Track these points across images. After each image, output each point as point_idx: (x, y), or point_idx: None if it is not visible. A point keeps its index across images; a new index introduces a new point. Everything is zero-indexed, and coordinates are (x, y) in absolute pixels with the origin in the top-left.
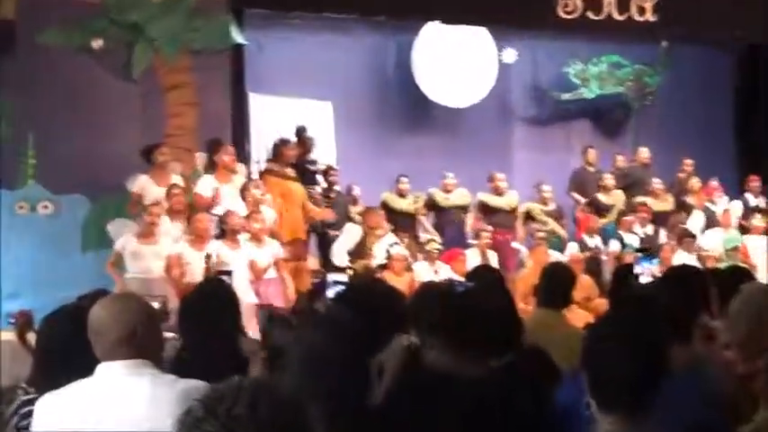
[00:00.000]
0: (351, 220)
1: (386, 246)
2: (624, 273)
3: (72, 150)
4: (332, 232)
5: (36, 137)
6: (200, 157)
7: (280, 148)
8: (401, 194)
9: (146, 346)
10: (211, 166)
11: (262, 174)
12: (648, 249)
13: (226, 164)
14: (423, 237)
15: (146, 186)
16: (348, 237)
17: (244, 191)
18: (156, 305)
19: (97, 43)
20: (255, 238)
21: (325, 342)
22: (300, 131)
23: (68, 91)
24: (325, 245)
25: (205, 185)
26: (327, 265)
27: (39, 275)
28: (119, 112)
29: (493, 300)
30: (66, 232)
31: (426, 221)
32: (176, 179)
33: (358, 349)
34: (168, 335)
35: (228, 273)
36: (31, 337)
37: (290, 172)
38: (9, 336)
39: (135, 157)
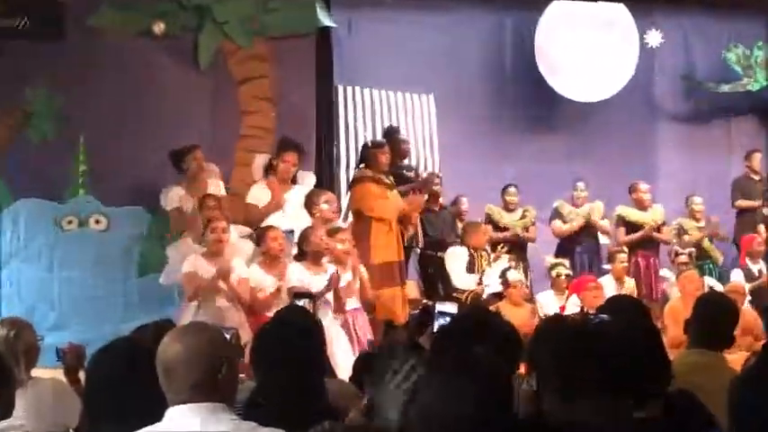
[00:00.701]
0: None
1: (499, 270)
2: None
3: (130, 154)
4: (435, 253)
5: (88, 138)
6: (259, 160)
7: (371, 151)
8: (508, 207)
9: (225, 388)
10: (266, 171)
11: (352, 182)
12: None
13: (280, 171)
14: (548, 261)
15: (184, 201)
16: (458, 260)
17: (312, 203)
18: (227, 338)
19: (159, 27)
20: (339, 260)
21: (460, 397)
22: (392, 133)
23: (125, 84)
24: (427, 268)
25: (259, 193)
26: (430, 292)
27: (90, 303)
28: (184, 108)
29: (634, 337)
30: (123, 252)
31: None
32: (214, 187)
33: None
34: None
35: (309, 296)
36: (82, 376)
37: (385, 179)
38: (55, 374)
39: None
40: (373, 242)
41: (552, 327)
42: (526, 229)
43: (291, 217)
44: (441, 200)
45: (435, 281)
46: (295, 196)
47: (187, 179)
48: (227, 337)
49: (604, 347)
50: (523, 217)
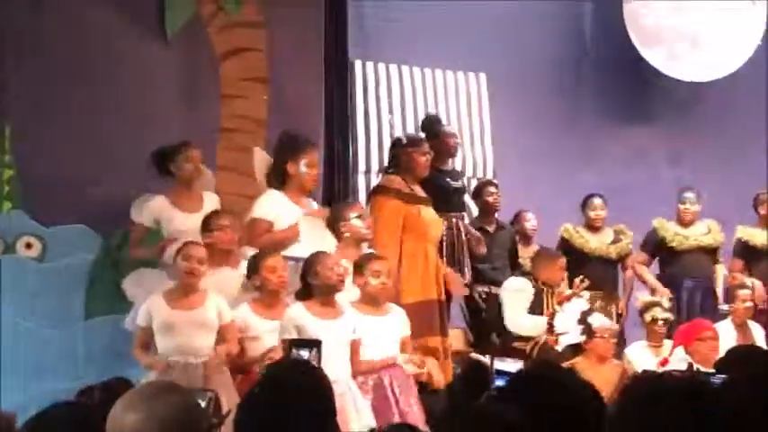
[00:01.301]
0: (521, 268)
1: (577, 312)
2: None
3: (73, 156)
4: (489, 289)
5: (16, 130)
6: (259, 159)
7: (406, 151)
8: (593, 227)
9: None
10: (276, 179)
11: (373, 192)
12: None
13: (298, 177)
14: (640, 299)
15: (164, 213)
16: (519, 297)
17: (339, 218)
18: (202, 404)
19: None
20: (372, 302)
21: None
22: (433, 124)
23: (69, 62)
24: (477, 310)
25: (269, 207)
26: (483, 343)
27: (21, 356)
28: (147, 94)
29: (762, 403)
30: (62, 286)
31: (647, 273)
32: (212, 201)
33: None
34: None
35: (314, 344)
36: None
37: (420, 191)
38: None
39: None
40: (404, 275)
41: (646, 390)
42: (621, 257)
43: (307, 243)
44: (497, 216)
45: (490, 327)
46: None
47: (176, 189)
48: (203, 403)
49: (722, 418)
50: (616, 240)
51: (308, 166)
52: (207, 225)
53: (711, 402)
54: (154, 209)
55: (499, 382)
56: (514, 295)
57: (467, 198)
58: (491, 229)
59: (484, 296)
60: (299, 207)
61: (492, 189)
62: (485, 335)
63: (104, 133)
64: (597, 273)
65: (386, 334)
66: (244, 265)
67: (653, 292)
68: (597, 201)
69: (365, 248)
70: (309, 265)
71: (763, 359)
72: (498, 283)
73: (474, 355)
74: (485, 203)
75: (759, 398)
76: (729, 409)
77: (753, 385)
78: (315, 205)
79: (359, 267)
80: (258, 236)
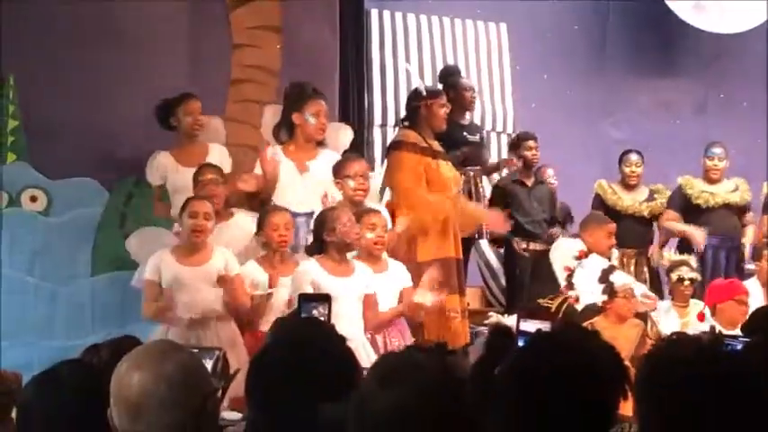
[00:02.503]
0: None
1: (596, 273)
2: None
3: (79, 108)
4: (527, 246)
5: (20, 83)
6: (267, 116)
7: (424, 103)
8: (628, 184)
9: None
10: (283, 131)
11: (391, 148)
12: None
13: (304, 127)
14: (666, 257)
15: (168, 169)
16: (561, 257)
17: (338, 174)
18: (209, 364)
19: None
20: (371, 256)
21: None
22: (450, 75)
23: (75, 12)
24: (513, 268)
25: (273, 162)
26: (511, 303)
27: (26, 312)
28: (152, 45)
29: None
30: (68, 241)
31: (678, 225)
32: (216, 154)
33: None
34: (229, 415)
35: (324, 298)
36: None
37: (437, 145)
38: None
39: None
40: (420, 231)
41: (671, 353)
42: (654, 215)
43: (315, 195)
44: (534, 169)
45: (526, 287)
46: (320, 166)
47: (178, 142)
48: (210, 362)
49: (746, 383)
50: (651, 198)
51: (314, 116)
52: (195, 179)
53: (730, 365)
54: (159, 166)
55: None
56: (565, 256)
57: (486, 152)
58: (529, 183)
59: (521, 255)
60: (302, 160)
61: (531, 143)
62: (518, 296)
63: (112, 85)
64: (629, 230)
65: (387, 289)
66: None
67: (686, 242)
68: (634, 157)
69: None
70: (325, 222)
71: None
72: (536, 237)
73: (493, 315)
74: (524, 158)
75: None
76: (749, 372)
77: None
78: (328, 155)
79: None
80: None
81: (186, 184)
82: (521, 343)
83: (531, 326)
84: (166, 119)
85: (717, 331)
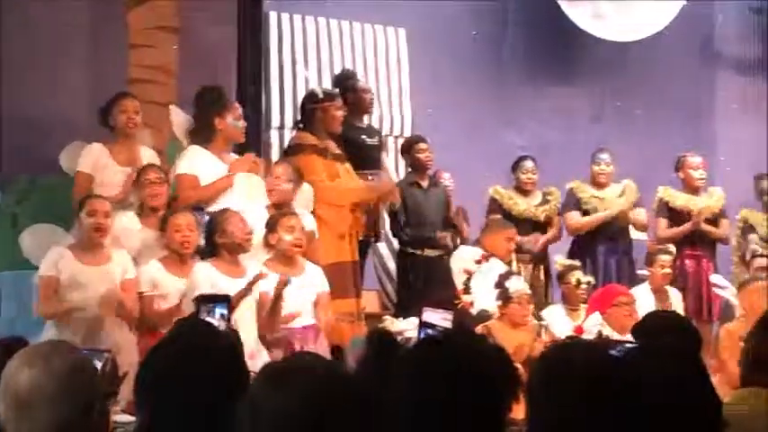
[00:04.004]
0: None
1: (493, 279)
2: None
3: None
4: (421, 251)
5: None
6: (178, 117)
7: (318, 106)
8: (523, 189)
9: None
10: (201, 134)
11: (288, 152)
12: None
13: (228, 131)
14: (558, 262)
15: (101, 161)
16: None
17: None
18: (98, 365)
19: None
20: (288, 259)
21: None
22: (347, 79)
23: None
24: (407, 272)
25: (192, 162)
26: (403, 305)
27: None
28: (47, 44)
29: (674, 373)
30: None
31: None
32: (148, 155)
33: None
34: (119, 418)
35: (223, 299)
36: None
37: (334, 147)
38: None
39: (77, 118)
40: (319, 235)
41: (556, 360)
42: (549, 219)
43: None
44: (429, 171)
45: (420, 292)
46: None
47: (114, 140)
48: (99, 363)
49: (629, 391)
50: (545, 202)
51: (236, 120)
52: (137, 179)
53: (615, 373)
54: (93, 155)
55: (429, 332)
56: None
57: (383, 156)
58: (425, 185)
59: (416, 259)
60: (223, 162)
61: (423, 145)
62: (413, 299)
63: (9, 84)
64: (526, 236)
65: (301, 293)
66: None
67: (571, 254)
68: (529, 164)
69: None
70: (216, 223)
71: (676, 327)
72: (431, 240)
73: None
74: (417, 160)
75: (664, 368)
76: (634, 377)
77: (661, 354)
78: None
79: (271, 224)
80: (184, 191)
81: (113, 181)
82: (425, 332)
83: (433, 316)
84: (105, 118)
85: (604, 336)
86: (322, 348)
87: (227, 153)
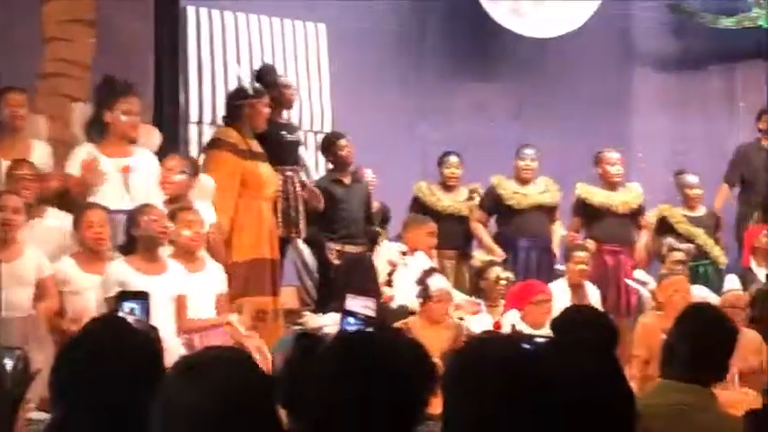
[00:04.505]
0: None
1: (416, 274)
2: None
3: None
4: (342, 248)
5: None
6: (75, 113)
7: (246, 102)
8: (447, 185)
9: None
10: (94, 130)
11: (209, 146)
12: None
13: (117, 125)
14: (478, 258)
15: None
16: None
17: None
18: (9, 363)
19: None
20: (188, 254)
21: None
22: (268, 75)
23: None
24: (327, 269)
25: (74, 162)
26: (322, 301)
27: None
28: None
29: (589, 368)
30: None
31: (485, 233)
32: (38, 151)
33: None
34: (36, 416)
35: (142, 296)
36: None
37: (256, 145)
38: None
39: None
40: (234, 232)
41: (470, 355)
42: (470, 214)
43: (136, 192)
44: (350, 168)
45: (340, 288)
46: (139, 164)
47: (2, 134)
48: (10, 361)
49: (541, 386)
50: (470, 198)
51: (126, 114)
52: (8, 173)
53: (528, 369)
54: None
55: (350, 320)
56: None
57: (301, 153)
58: (347, 181)
59: (337, 255)
60: (118, 157)
61: (344, 142)
62: (333, 296)
63: None
64: (450, 231)
65: (203, 290)
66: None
67: (488, 251)
68: (454, 159)
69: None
70: (133, 217)
71: (591, 322)
72: (353, 236)
73: (308, 318)
74: (338, 157)
75: (579, 363)
76: (547, 374)
77: (576, 350)
78: (144, 153)
79: (171, 219)
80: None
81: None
82: (348, 320)
83: (356, 304)
84: None
85: (517, 331)
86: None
87: (130, 147)
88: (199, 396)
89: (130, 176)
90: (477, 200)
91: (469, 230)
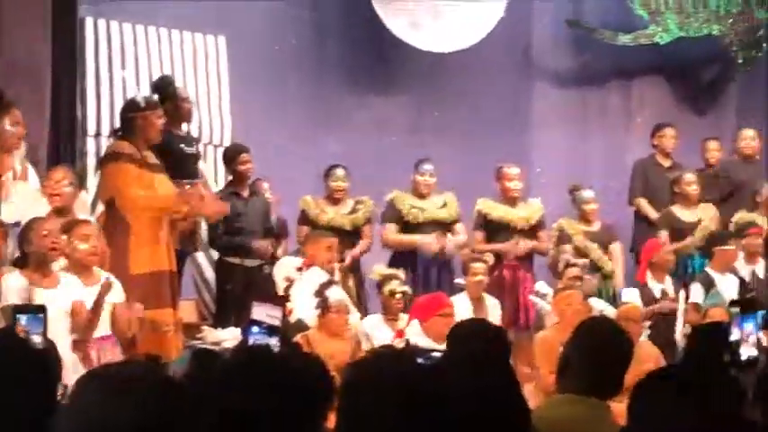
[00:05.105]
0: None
1: (314, 286)
2: (712, 341)
3: None
4: (241, 261)
5: None
6: None
7: (139, 114)
8: (333, 198)
9: None
10: None
11: (105, 159)
12: (755, 302)
13: (5, 136)
14: (377, 271)
15: None
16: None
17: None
18: None
19: None
20: (84, 268)
21: None
22: (166, 87)
23: None
24: (224, 283)
25: None
26: (221, 316)
27: None
28: None
29: (483, 381)
30: None
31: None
32: None
33: None
34: None
35: (39, 310)
36: None
37: (152, 157)
38: None
39: None
40: (133, 244)
41: (367, 370)
42: (358, 229)
43: (20, 205)
44: (249, 182)
45: (238, 302)
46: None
47: None
48: None
49: (436, 400)
50: (354, 211)
51: (12, 125)
52: None
53: (423, 380)
54: None
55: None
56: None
57: (201, 166)
58: (245, 194)
59: (235, 269)
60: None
61: (246, 156)
62: (228, 310)
63: None
64: (341, 244)
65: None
66: None
67: (391, 263)
68: (339, 172)
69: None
70: (24, 233)
71: (485, 336)
72: (251, 251)
73: (207, 333)
74: (239, 171)
75: (474, 376)
76: (442, 387)
77: (471, 364)
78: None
79: (65, 232)
80: None
81: None
82: (253, 329)
83: (261, 312)
84: None
85: (412, 345)
86: (117, 360)
87: (10, 158)
88: (119, 410)
89: (19, 187)
90: (361, 213)
91: (355, 244)
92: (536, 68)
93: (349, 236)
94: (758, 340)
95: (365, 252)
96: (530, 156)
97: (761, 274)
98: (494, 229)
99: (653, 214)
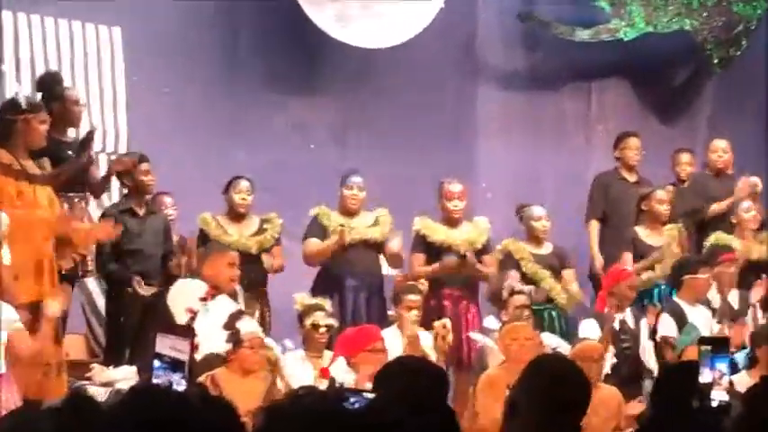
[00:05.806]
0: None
1: (222, 318)
2: (682, 383)
3: None
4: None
5: None
6: None
7: (19, 117)
8: (236, 214)
9: None
10: None
11: None
12: (727, 340)
13: None
14: (299, 300)
15: None
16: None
17: None
18: None
19: None
20: None
21: None
22: (52, 85)
23: None
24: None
25: None
26: (113, 352)
27: None
28: None
29: (416, 423)
30: None
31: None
32: None
33: None
34: None
35: None
36: None
37: (33, 166)
38: None
39: None
40: (5, 270)
41: (284, 415)
42: (263, 250)
43: None
44: (150, 195)
45: (133, 336)
46: None
47: None
48: None
49: None
50: (261, 231)
51: None
52: None
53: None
54: None
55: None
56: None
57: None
58: (141, 212)
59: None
60: None
61: (146, 166)
62: (124, 343)
63: None
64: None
65: None
66: None
67: (314, 291)
68: (243, 183)
69: None
70: None
71: (419, 377)
72: (148, 275)
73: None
74: (138, 183)
75: (407, 421)
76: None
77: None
78: None
79: None
80: None
81: None
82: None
83: (165, 344)
84: None
85: (338, 385)
86: (13, 399)
87: None
88: None
89: None
90: (269, 234)
91: (262, 269)
92: (481, 68)
93: (255, 261)
94: (731, 383)
95: (276, 272)
96: (474, 169)
97: (735, 305)
98: (435, 253)
99: (595, 247)
